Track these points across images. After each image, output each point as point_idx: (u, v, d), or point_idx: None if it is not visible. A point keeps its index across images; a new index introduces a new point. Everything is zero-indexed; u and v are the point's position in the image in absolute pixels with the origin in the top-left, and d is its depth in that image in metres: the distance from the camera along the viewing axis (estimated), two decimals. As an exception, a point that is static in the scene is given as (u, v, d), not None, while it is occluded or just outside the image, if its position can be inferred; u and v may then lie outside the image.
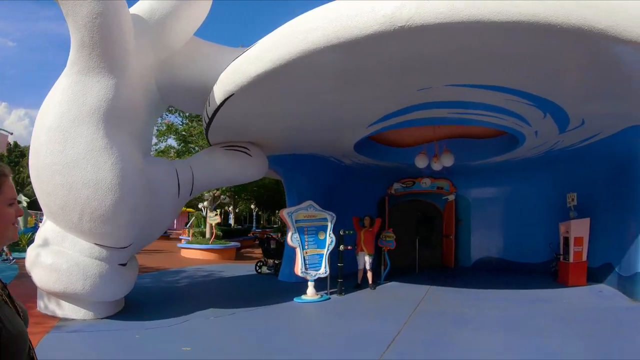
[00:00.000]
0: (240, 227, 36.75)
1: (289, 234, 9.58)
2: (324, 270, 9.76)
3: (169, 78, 7.93)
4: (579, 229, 10.97)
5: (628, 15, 4.72)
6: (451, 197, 14.65)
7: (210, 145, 9.89)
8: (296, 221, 9.59)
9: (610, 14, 4.68)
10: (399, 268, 13.36)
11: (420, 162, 10.52)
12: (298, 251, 9.53)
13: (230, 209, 36.67)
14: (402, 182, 14.74)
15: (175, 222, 37.00)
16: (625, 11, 4.74)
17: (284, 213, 9.65)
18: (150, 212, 7.23)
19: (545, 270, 13.11)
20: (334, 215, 10.11)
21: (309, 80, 6.37)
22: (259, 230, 39.07)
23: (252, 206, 41.51)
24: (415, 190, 14.79)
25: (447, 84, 6.66)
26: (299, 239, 9.55)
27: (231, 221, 38.81)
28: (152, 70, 7.64)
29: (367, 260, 10.85)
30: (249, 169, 9.62)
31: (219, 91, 6.96)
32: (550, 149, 10.53)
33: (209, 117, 7.75)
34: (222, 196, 23.14)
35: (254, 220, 46.66)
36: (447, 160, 10.26)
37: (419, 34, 4.85)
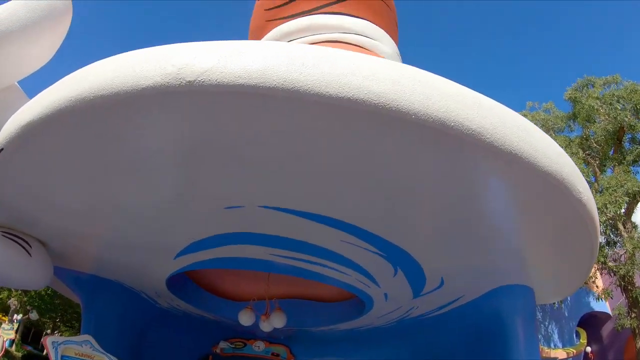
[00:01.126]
0: None
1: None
2: None
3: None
4: None
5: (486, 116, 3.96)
6: (289, 368, 12.48)
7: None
8: (62, 357, 6.76)
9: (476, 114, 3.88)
10: None
11: (245, 319, 8.65)
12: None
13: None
14: (231, 342, 12.37)
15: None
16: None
17: (48, 341, 6.87)
18: None
19: None
20: (116, 361, 7.46)
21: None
22: None
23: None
24: (246, 353, 12.42)
25: (262, 205, 5.16)
26: (56, 386, 6.63)
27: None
28: None
29: None
30: (24, 271, 6.94)
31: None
32: (404, 317, 9.48)
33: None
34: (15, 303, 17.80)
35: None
36: (278, 321, 8.58)
37: (213, 99, 3.54)
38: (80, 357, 7.21)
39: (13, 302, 17.82)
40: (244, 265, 7.00)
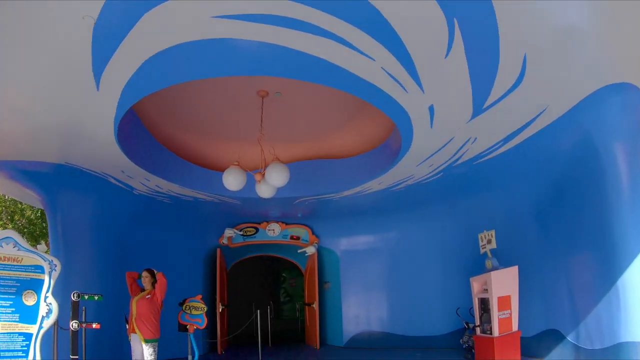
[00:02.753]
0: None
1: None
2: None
3: None
4: (503, 283, 7.21)
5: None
6: (311, 250, 10.31)
7: None
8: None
9: None
10: (240, 354, 8.78)
11: (231, 181, 6.01)
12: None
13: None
14: (240, 230, 10.17)
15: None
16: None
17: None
18: None
19: (452, 347, 9.19)
20: (55, 263, 5.19)
21: None
22: None
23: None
24: (260, 240, 10.30)
25: None
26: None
27: None
28: None
29: (146, 350, 5.92)
30: None
31: None
32: (454, 162, 6.87)
33: None
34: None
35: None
36: (278, 177, 5.81)
37: None
38: (6, 263, 4.95)
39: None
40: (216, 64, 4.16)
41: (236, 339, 11.60)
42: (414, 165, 7.01)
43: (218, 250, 9.97)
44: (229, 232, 9.86)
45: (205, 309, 7.29)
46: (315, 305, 10.34)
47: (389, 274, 10.29)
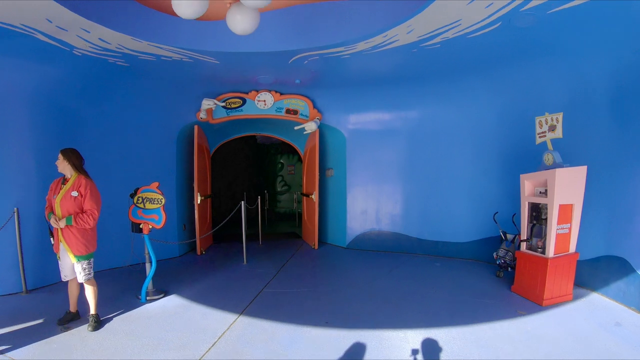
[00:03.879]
0: None
1: None
2: None
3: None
4: (568, 187, 5.14)
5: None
6: (311, 127, 8.13)
7: None
8: None
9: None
10: (223, 254, 7.23)
11: (184, 5, 3.67)
12: None
13: None
14: (222, 101, 7.92)
15: None
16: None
17: None
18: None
19: (478, 258, 7.55)
20: None
21: None
22: None
23: None
24: (248, 114, 8.07)
25: None
26: None
27: None
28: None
29: (77, 267, 4.18)
30: None
31: None
32: (520, 6, 4.53)
33: None
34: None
35: None
36: None
37: None
38: None
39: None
40: None
41: (224, 236, 9.98)
42: (466, 2, 4.56)
43: (195, 127, 7.82)
44: (207, 103, 7.62)
45: (163, 200, 5.32)
46: (315, 197, 8.46)
47: (407, 162, 8.24)
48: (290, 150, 13.98)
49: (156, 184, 5.39)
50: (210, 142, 9.05)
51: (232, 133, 9.42)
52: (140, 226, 5.38)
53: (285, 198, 13.92)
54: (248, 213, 12.71)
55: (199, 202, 7.92)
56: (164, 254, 7.64)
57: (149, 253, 5.45)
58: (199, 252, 8.05)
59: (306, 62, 6.45)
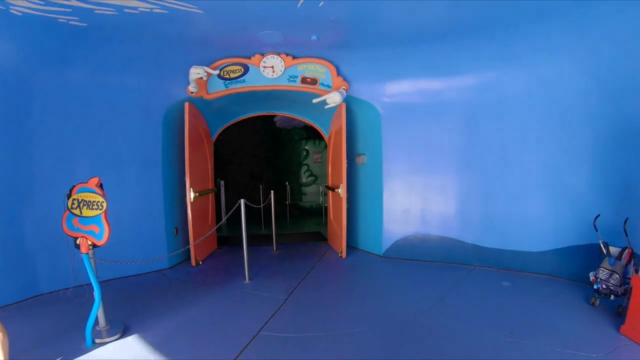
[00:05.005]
0: None
1: None
2: None
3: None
4: None
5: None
6: (335, 99, 6.20)
7: None
8: None
9: None
10: (224, 265, 6.00)
11: None
12: None
13: None
14: (219, 69, 6.09)
15: None
16: None
17: None
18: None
19: (560, 275, 5.57)
20: None
21: None
22: None
23: None
24: (252, 86, 6.24)
25: None
26: None
27: None
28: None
29: None
30: None
31: None
32: None
33: None
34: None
35: None
36: None
37: None
38: None
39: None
40: None
41: (234, 239, 8.28)
42: None
43: (186, 104, 6.08)
44: (196, 72, 5.81)
45: (105, 205, 3.58)
46: (342, 191, 6.57)
47: (462, 146, 6.23)
48: (317, 136, 12.11)
49: (95, 180, 3.64)
50: (210, 125, 7.29)
51: (238, 113, 7.61)
52: (77, 241, 3.67)
53: (311, 190, 12.08)
54: (263, 209, 11.00)
55: (191, 199, 6.18)
56: (147, 264, 5.97)
57: (91, 278, 3.73)
58: (193, 263, 6.34)
59: (321, 3, 4.54)
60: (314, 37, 5.53)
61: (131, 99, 5.81)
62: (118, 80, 5.65)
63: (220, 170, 11.60)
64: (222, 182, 10.74)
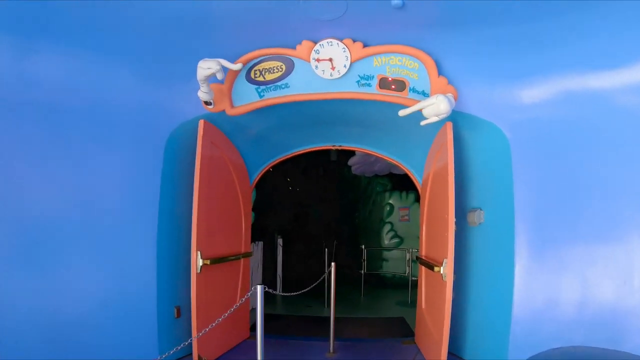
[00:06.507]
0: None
1: None
2: None
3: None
4: None
5: None
6: (437, 111, 3.63)
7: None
8: None
9: None
10: None
11: None
12: None
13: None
14: (248, 67, 3.85)
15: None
16: None
17: None
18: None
19: None
20: None
21: None
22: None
23: None
24: (301, 94, 3.92)
25: None
26: None
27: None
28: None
29: None
30: None
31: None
32: None
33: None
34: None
35: None
36: None
37: None
38: None
39: None
40: None
41: (281, 323, 5.84)
42: None
43: (201, 122, 3.97)
44: (206, 67, 3.57)
45: None
46: (448, 270, 3.82)
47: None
48: (404, 187, 9.54)
49: None
50: (248, 160, 5.10)
51: (286, 144, 5.32)
52: None
53: (394, 256, 9.38)
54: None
55: (198, 269, 3.89)
56: (133, 353, 3.71)
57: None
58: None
59: None
60: (396, 2, 3.17)
61: (115, 117, 3.81)
62: (95, 92, 3.69)
63: (278, 223, 9.50)
64: (280, 240, 8.47)
